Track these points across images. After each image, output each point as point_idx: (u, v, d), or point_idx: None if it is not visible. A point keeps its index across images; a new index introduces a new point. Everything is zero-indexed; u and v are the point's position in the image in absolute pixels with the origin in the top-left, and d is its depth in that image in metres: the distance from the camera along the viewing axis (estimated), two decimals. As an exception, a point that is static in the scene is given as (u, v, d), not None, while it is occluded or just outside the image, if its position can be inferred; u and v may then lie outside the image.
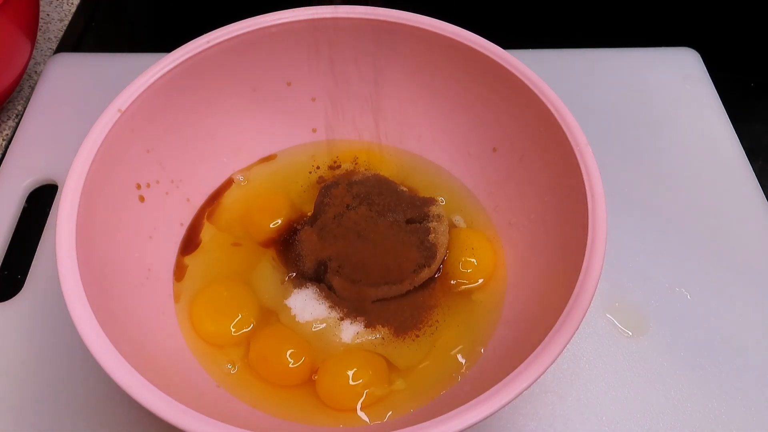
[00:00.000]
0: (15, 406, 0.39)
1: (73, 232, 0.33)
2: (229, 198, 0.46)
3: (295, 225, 0.44)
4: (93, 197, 0.36)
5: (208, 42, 0.41)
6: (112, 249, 0.37)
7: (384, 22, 0.43)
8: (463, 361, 0.39)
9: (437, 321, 0.40)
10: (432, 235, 0.41)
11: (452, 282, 0.42)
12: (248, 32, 0.42)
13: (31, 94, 0.57)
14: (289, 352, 0.38)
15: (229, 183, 0.47)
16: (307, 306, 0.41)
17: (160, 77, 0.40)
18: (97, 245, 0.36)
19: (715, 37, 0.66)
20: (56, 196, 0.49)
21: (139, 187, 0.41)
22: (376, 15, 0.43)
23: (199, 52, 0.41)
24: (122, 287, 0.37)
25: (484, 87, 0.43)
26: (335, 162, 0.48)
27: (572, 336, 0.31)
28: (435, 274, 0.42)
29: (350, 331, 0.40)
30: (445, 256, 0.43)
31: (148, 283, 0.40)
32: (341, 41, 0.44)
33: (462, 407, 0.29)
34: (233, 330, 0.40)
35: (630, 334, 0.43)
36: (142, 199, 0.41)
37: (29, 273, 0.45)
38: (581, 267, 0.33)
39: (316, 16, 0.43)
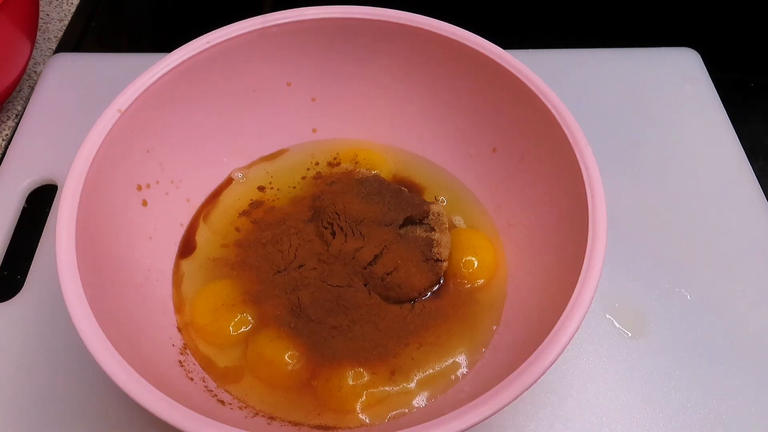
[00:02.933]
0: (14, 406, 0.39)
1: (73, 232, 0.33)
2: (227, 197, 0.46)
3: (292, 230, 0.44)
4: (93, 198, 0.36)
5: (208, 42, 0.41)
6: (111, 249, 0.37)
7: (383, 22, 0.43)
8: (464, 362, 0.39)
9: (439, 322, 0.40)
10: (436, 249, 0.41)
11: (453, 282, 0.42)
12: (248, 32, 0.42)
13: (31, 94, 0.57)
14: (287, 354, 0.38)
15: (228, 182, 0.47)
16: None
17: (160, 77, 0.40)
18: (96, 246, 0.36)
19: (715, 37, 0.66)
20: (56, 196, 0.49)
21: (139, 188, 0.41)
22: (376, 15, 0.43)
23: (199, 53, 0.41)
24: (122, 288, 0.37)
25: (484, 87, 0.43)
26: (335, 159, 0.48)
27: (572, 336, 0.31)
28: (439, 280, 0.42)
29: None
30: None
31: (148, 284, 0.40)
32: (341, 41, 0.44)
33: (462, 408, 0.29)
34: (232, 330, 0.40)
35: (630, 334, 0.43)
36: (141, 199, 0.41)
37: (29, 273, 0.45)
38: (581, 267, 0.33)
39: (316, 17, 0.43)
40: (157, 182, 0.42)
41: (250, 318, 0.40)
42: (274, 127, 0.48)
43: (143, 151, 0.41)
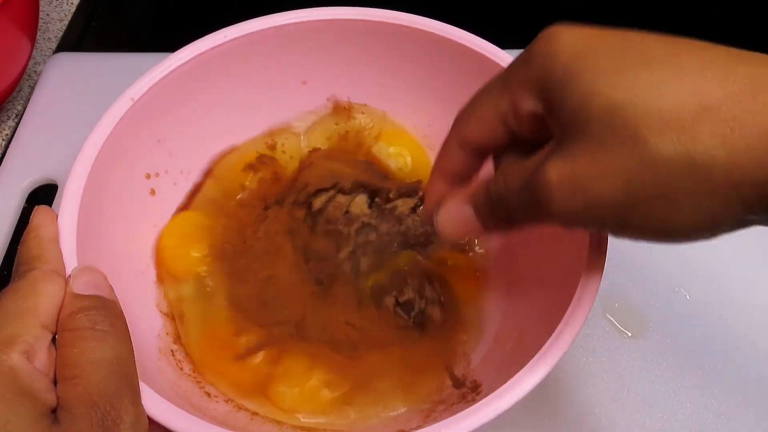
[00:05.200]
0: (15, 406, 0.39)
1: (75, 221, 0.32)
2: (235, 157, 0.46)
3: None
4: (98, 187, 0.35)
5: (225, 37, 0.41)
6: (113, 237, 0.37)
7: (401, 26, 0.42)
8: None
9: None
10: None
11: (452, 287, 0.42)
12: (265, 29, 0.42)
13: (31, 94, 0.57)
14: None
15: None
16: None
17: (175, 69, 0.39)
18: (99, 232, 0.35)
19: (715, 37, 0.66)
20: (56, 196, 0.49)
21: (148, 176, 0.41)
22: (394, 19, 0.42)
23: (215, 47, 0.41)
24: (120, 276, 0.36)
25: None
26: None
27: (574, 338, 0.31)
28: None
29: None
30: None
31: (149, 271, 0.40)
32: (358, 42, 0.44)
33: (465, 411, 0.29)
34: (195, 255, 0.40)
35: (630, 334, 0.43)
36: (150, 188, 0.41)
37: (29, 273, 0.45)
38: (583, 268, 0.33)
39: (335, 17, 0.42)
40: (167, 172, 0.42)
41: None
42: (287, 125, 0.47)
43: (154, 141, 0.41)
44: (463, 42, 0.41)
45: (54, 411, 0.25)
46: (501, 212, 0.28)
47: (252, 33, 0.41)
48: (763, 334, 0.44)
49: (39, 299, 0.27)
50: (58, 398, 0.25)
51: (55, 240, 0.31)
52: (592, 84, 0.23)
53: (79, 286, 0.28)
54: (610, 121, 0.23)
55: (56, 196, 0.49)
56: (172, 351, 0.38)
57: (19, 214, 0.49)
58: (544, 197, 0.24)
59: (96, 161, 0.35)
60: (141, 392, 0.28)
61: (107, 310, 0.28)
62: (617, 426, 0.40)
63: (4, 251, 0.47)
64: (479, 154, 0.30)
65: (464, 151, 0.30)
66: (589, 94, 0.23)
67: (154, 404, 0.28)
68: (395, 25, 0.42)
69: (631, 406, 0.40)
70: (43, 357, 0.26)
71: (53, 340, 0.27)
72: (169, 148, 0.42)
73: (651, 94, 0.22)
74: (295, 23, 0.42)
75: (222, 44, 0.41)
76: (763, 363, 0.42)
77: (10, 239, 0.48)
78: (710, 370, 0.42)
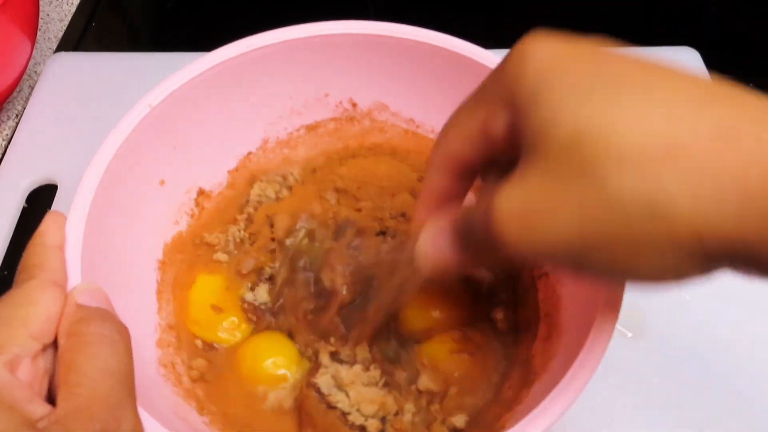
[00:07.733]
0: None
1: (81, 233, 0.32)
2: None
3: None
4: (108, 196, 0.35)
5: (248, 46, 0.40)
6: (121, 246, 0.37)
7: (425, 45, 0.41)
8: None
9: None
10: None
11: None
12: (290, 40, 0.41)
13: (31, 94, 0.57)
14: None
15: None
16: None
17: (197, 76, 0.39)
18: (105, 241, 0.35)
19: (715, 37, 0.66)
20: (56, 196, 0.49)
21: (162, 183, 0.40)
22: (418, 37, 0.41)
23: (238, 56, 0.40)
24: (127, 289, 0.36)
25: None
26: None
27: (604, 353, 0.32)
28: None
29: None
30: None
31: (153, 281, 0.39)
32: (383, 57, 0.43)
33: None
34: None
35: (630, 335, 0.43)
36: (161, 197, 0.40)
37: (29, 273, 0.45)
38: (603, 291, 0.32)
39: (363, 32, 0.41)
40: (180, 180, 0.41)
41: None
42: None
43: (170, 148, 0.40)
44: (484, 62, 0.40)
45: (41, 420, 0.24)
46: (471, 243, 0.26)
47: (276, 43, 0.40)
48: (763, 334, 0.44)
49: (32, 309, 0.27)
50: (56, 406, 0.24)
51: (60, 248, 0.30)
52: (557, 106, 0.22)
53: (84, 298, 0.28)
54: (569, 150, 0.21)
55: (56, 196, 0.49)
56: (173, 363, 0.37)
57: (18, 215, 0.49)
58: (494, 230, 0.23)
59: (107, 169, 0.34)
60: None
61: (113, 321, 0.28)
62: (617, 426, 0.40)
63: (4, 251, 0.47)
64: (463, 174, 0.28)
65: (447, 170, 0.28)
66: (552, 117, 0.22)
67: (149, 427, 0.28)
68: (419, 43, 0.41)
69: (631, 406, 0.40)
70: (27, 368, 0.25)
71: (44, 350, 0.26)
72: (184, 156, 0.41)
73: (617, 127, 0.20)
74: (321, 36, 0.41)
75: (244, 54, 0.40)
76: (764, 363, 0.42)
77: (9, 239, 0.48)
78: (711, 371, 0.42)
